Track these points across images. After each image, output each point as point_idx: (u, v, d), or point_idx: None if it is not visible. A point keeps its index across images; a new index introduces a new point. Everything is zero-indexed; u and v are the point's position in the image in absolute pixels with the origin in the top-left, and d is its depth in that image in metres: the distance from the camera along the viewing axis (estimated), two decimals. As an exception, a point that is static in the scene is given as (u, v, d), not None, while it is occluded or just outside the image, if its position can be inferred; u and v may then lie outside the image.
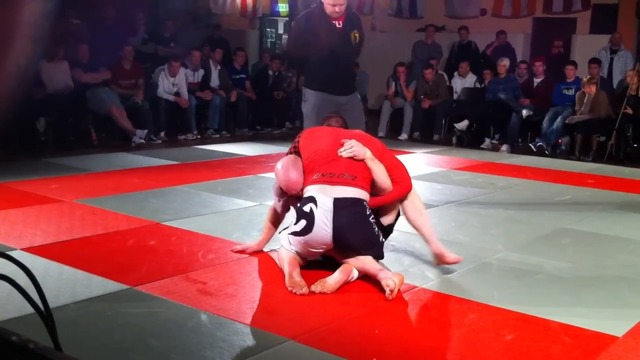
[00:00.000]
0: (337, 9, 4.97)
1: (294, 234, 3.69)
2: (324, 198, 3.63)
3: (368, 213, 3.69)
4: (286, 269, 3.62)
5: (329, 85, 5.18)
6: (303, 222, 3.64)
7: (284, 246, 3.80)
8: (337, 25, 5.08)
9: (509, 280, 3.86)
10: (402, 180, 3.90)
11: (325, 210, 3.60)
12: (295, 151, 3.98)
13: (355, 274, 3.63)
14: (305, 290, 3.44)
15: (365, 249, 3.66)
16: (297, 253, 3.75)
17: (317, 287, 3.46)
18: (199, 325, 3.03)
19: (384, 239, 3.84)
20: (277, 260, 3.86)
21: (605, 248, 4.61)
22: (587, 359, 2.83)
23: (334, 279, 3.53)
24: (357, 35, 5.12)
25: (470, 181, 6.95)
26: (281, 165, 3.91)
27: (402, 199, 3.90)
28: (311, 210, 3.62)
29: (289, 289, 3.47)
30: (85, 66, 8.90)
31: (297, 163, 3.89)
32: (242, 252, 4.14)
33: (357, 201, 3.68)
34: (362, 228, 3.66)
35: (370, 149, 3.85)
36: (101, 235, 4.45)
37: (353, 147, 3.78)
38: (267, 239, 4.17)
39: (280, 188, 3.93)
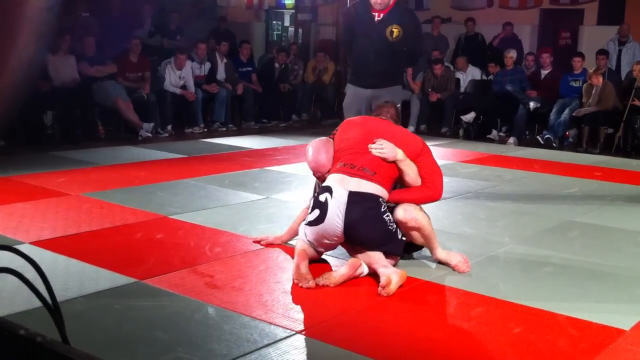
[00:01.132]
0: (378, 0, 4.99)
1: (309, 223, 3.69)
2: (340, 189, 3.61)
3: (383, 210, 3.63)
4: (295, 261, 3.62)
5: (357, 77, 5.24)
6: (317, 212, 3.63)
7: (300, 237, 3.79)
8: (376, 18, 5.08)
9: (516, 273, 3.86)
10: (433, 186, 3.79)
11: (339, 202, 3.58)
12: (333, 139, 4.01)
13: (365, 270, 3.62)
14: (311, 283, 3.44)
15: (376, 246, 3.62)
16: (312, 245, 3.72)
17: (321, 280, 3.47)
18: (206, 318, 3.04)
19: (404, 238, 3.75)
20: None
21: (613, 241, 4.60)
22: (594, 352, 2.83)
23: (339, 272, 3.53)
24: (395, 30, 5.05)
25: (477, 174, 6.93)
26: (312, 146, 3.94)
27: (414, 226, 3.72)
28: (326, 200, 3.61)
29: (295, 281, 3.48)
30: (91, 59, 8.91)
31: (328, 146, 3.90)
32: (258, 242, 4.18)
33: (373, 197, 3.63)
34: (374, 224, 3.60)
35: (407, 149, 3.77)
36: (108, 228, 4.46)
37: (383, 149, 3.71)
38: (289, 237, 4.15)
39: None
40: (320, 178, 3.90)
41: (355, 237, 3.63)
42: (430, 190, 3.78)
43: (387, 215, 3.64)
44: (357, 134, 3.86)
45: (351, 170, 3.68)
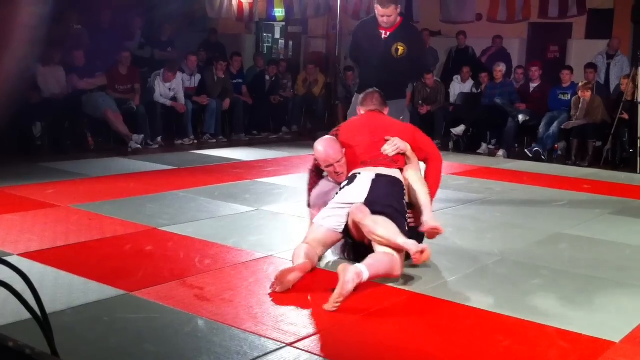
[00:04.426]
0: (385, 19, 5.26)
1: (338, 192, 4.02)
2: (367, 172, 4.03)
3: (405, 191, 4.05)
4: (294, 265, 3.67)
5: (363, 89, 5.34)
6: (346, 181, 4.05)
7: (316, 221, 3.98)
8: (383, 35, 5.34)
9: (505, 286, 3.87)
10: (434, 157, 4.32)
11: (367, 177, 3.99)
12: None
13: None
14: (278, 289, 3.50)
15: (390, 213, 3.82)
16: (327, 222, 3.90)
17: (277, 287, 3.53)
18: (195, 330, 3.03)
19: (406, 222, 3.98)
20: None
21: (602, 253, 4.61)
22: (583, 364, 2.84)
23: (293, 275, 3.59)
24: (400, 47, 5.30)
25: (467, 186, 6.95)
26: (321, 143, 4.17)
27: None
28: (355, 175, 4.05)
29: (273, 280, 3.56)
30: (81, 71, 8.89)
31: (335, 142, 4.18)
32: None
33: (396, 179, 4.05)
34: (394, 194, 3.96)
35: (405, 137, 4.22)
36: (97, 240, 4.44)
37: (397, 145, 4.15)
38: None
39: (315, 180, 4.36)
40: (328, 168, 4.16)
41: (376, 198, 3.86)
42: (435, 162, 4.32)
43: (404, 198, 4.02)
44: (365, 137, 4.23)
45: (375, 163, 4.11)
